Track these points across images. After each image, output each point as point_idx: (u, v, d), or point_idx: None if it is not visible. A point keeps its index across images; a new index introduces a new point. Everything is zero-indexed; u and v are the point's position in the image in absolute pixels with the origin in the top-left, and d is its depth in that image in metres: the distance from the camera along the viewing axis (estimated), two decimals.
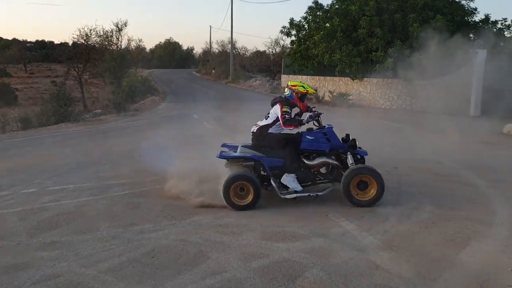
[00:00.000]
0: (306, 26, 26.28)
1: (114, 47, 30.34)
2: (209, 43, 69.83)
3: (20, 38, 73.74)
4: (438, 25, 18.38)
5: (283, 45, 46.88)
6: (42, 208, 6.57)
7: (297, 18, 28.36)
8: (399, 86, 21.27)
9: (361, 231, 5.40)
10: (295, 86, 6.72)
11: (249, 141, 6.73)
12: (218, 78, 49.08)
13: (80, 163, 9.94)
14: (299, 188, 6.41)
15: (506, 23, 20.67)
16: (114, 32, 30.08)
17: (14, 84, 37.59)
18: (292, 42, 28.00)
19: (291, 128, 6.49)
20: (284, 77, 33.86)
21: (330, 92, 24.31)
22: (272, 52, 50.31)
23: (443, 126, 13.51)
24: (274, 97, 6.99)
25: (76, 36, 28.74)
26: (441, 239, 5.17)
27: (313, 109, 6.79)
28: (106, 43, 29.87)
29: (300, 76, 28.47)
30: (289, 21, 26.92)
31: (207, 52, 68.27)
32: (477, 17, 22.31)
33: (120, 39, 30.80)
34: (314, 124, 6.74)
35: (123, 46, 32.08)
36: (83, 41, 28.63)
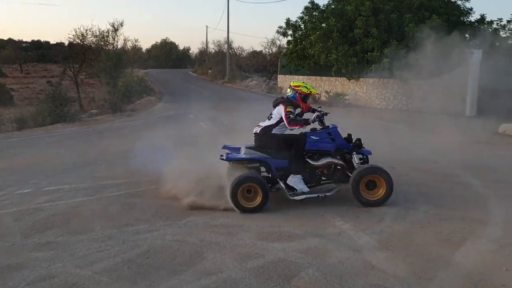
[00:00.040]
0: (302, 26, 26.29)
1: (110, 47, 30.17)
2: (205, 43, 70.03)
3: (16, 38, 73.59)
4: (434, 25, 18.42)
5: (279, 45, 46.98)
6: (37, 208, 6.55)
7: (293, 18, 28.49)
8: (395, 86, 21.31)
9: (357, 231, 5.40)
10: (298, 86, 6.67)
11: (247, 142, 6.71)
12: (215, 78, 49.07)
13: (76, 163, 9.91)
14: (306, 189, 6.35)
15: (502, 23, 20.75)
16: (110, 32, 29.89)
17: (10, 84, 37.40)
18: (288, 42, 28.01)
19: (296, 128, 6.46)
20: (280, 77, 33.87)
21: (327, 92, 24.35)
22: (268, 52, 50.35)
23: (439, 126, 13.56)
24: (276, 98, 6.95)
25: (72, 36, 28.65)
26: (437, 239, 5.18)
27: (319, 109, 6.77)
28: (102, 43, 29.72)
29: (296, 76, 28.46)
30: (285, 21, 26.93)
31: (203, 52, 68.25)
32: (473, 17, 22.42)
33: (116, 39, 30.62)
34: (318, 123, 6.70)
35: (119, 46, 31.92)
36: (79, 41, 28.53)
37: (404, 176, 8.05)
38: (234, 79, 43.75)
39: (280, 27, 27.34)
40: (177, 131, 13.60)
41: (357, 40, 21.43)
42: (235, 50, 55.99)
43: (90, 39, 28.97)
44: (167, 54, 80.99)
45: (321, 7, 24.98)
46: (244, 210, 6.09)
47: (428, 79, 17.96)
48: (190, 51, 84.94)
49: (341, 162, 6.55)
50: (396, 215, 5.96)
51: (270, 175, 6.47)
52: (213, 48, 61.67)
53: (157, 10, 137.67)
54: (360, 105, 22.57)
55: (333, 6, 23.50)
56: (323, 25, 23.30)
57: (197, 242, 5.10)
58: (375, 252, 4.80)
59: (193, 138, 11.07)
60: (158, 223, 5.80)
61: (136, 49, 57.61)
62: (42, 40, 71.73)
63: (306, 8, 25.62)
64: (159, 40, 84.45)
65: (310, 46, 23.68)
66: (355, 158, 6.56)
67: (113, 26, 30.15)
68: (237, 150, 6.55)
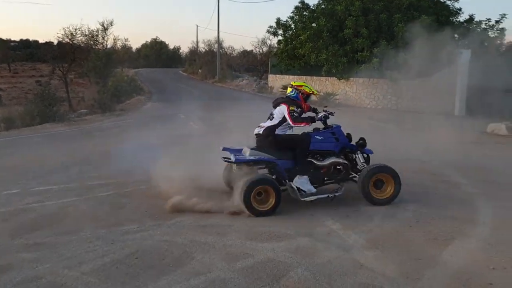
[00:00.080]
0: (292, 26, 26.35)
1: (100, 46, 30.00)
2: (195, 43, 69.67)
3: (4, 37, 72.67)
4: (423, 25, 18.53)
5: (270, 45, 46.92)
6: (25, 209, 6.49)
7: (283, 18, 28.45)
8: (385, 86, 21.43)
9: (346, 230, 5.42)
10: (300, 86, 6.63)
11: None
12: (205, 77, 48.96)
13: (64, 163, 9.84)
14: (313, 189, 6.25)
15: (490, 23, 20.93)
16: (99, 32, 29.72)
17: None
18: (279, 41, 28.06)
19: (301, 126, 6.41)
20: (271, 77, 33.89)
21: (317, 91, 24.38)
22: (259, 51, 50.30)
23: (428, 126, 13.64)
24: (276, 98, 6.91)
25: (61, 36, 28.45)
26: (425, 238, 5.21)
27: (325, 109, 6.78)
28: (92, 42, 29.53)
29: (287, 76, 28.54)
30: (275, 20, 26.98)
31: (193, 52, 68.05)
32: (462, 17, 22.61)
33: (106, 38, 30.42)
34: (321, 123, 6.69)
35: (109, 46, 31.72)
36: (69, 41, 28.33)
37: None
38: (224, 78, 43.70)
39: (271, 26, 27.43)
40: (167, 131, 13.55)
41: (347, 40, 21.51)
42: (226, 50, 55.94)
43: (79, 38, 28.81)
44: (157, 54, 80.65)
45: (311, 7, 25.06)
46: (257, 214, 5.89)
47: (417, 79, 18.06)
48: (181, 51, 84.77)
49: (345, 162, 6.56)
50: (385, 214, 5.99)
51: (274, 177, 6.34)
52: (204, 48, 61.67)
53: (147, 9, 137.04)
54: (350, 104, 22.64)
55: (323, 6, 23.59)
56: (313, 25, 23.39)
57: (186, 242, 5.09)
58: (364, 251, 4.82)
59: (183, 138, 11.04)
60: (147, 223, 5.77)
61: (126, 49, 57.20)
62: (30, 39, 70.76)
63: (296, 8, 25.69)
64: (149, 40, 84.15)
65: (301, 46, 23.76)
66: (360, 158, 6.58)
67: (102, 25, 29.95)
68: (239, 151, 6.40)
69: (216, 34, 47.08)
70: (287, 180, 6.24)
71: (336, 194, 6.34)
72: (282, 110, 6.41)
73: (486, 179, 8.04)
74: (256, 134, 6.54)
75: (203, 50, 60.62)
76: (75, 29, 28.33)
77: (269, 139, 6.39)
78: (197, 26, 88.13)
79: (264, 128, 6.46)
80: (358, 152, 6.63)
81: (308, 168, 6.39)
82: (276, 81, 31.73)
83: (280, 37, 27.55)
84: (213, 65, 48.64)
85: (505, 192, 7.17)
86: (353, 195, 6.54)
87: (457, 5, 22.69)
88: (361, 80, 22.50)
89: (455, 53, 18.33)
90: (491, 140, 12.55)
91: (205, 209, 6.10)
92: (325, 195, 6.27)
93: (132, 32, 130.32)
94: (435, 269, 4.38)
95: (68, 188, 7.68)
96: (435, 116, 15.36)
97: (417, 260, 4.59)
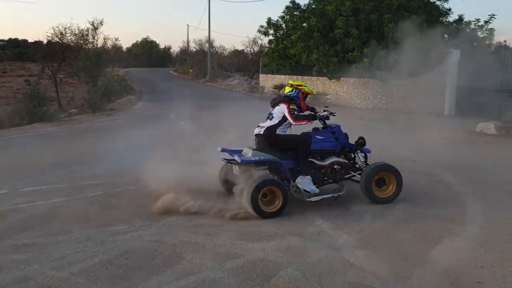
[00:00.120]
0: (283, 25, 26.33)
1: (90, 46, 29.81)
2: (186, 42, 69.46)
3: None
4: (413, 26, 18.64)
5: (261, 44, 46.85)
6: (14, 209, 6.44)
7: (274, 18, 28.45)
8: (375, 86, 21.53)
9: (336, 230, 5.43)
10: (300, 85, 6.59)
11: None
12: (196, 77, 48.80)
13: (54, 163, 9.76)
14: (316, 190, 6.21)
15: (479, 23, 21.07)
16: (89, 31, 29.52)
17: None
18: (270, 41, 28.03)
19: (303, 123, 6.35)
20: (262, 77, 33.88)
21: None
22: (250, 51, 50.23)
23: (418, 126, 13.71)
24: (274, 97, 6.86)
25: (50, 35, 28.21)
26: (414, 236, 5.25)
27: (326, 108, 6.78)
28: (82, 42, 29.34)
29: (278, 76, 28.56)
30: (266, 20, 26.94)
31: (184, 51, 67.85)
32: (451, 18, 22.75)
33: (96, 37, 30.24)
34: (320, 122, 6.67)
35: (99, 45, 31.54)
36: (58, 40, 28.12)
37: None
38: (215, 78, 43.60)
39: (262, 26, 27.36)
40: (158, 130, 13.53)
41: (338, 40, 21.56)
42: (217, 49, 55.78)
43: (69, 37, 28.59)
44: (148, 53, 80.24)
45: (302, 7, 25.06)
46: (265, 216, 5.79)
47: (407, 79, 18.16)
48: (171, 50, 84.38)
49: (346, 161, 6.58)
50: (375, 214, 6.02)
51: (276, 177, 6.22)
52: (195, 47, 61.40)
53: (138, 8, 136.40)
54: (341, 104, 22.70)
55: (314, 6, 23.61)
56: (304, 24, 23.40)
57: (176, 242, 5.07)
58: (354, 250, 4.84)
59: (174, 138, 11.03)
60: (137, 224, 5.75)
61: (116, 48, 56.98)
62: (19, 38, 70.22)
63: (287, 7, 25.68)
64: (139, 39, 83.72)
65: (292, 46, 23.77)
66: (360, 157, 6.60)
67: (92, 24, 29.77)
68: (239, 152, 6.28)
69: (207, 34, 46.84)
70: (291, 181, 6.20)
71: (340, 193, 6.33)
72: (281, 109, 6.33)
73: (475, 178, 8.10)
74: (256, 135, 6.44)
75: (194, 50, 60.47)
76: (65, 28, 28.14)
77: (271, 140, 6.32)
78: (188, 25, 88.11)
79: (265, 128, 6.37)
80: (358, 151, 6.65)
81: (309, 168, 6.35)
82: (267, 80, 31.74)
83: (271, 37, 27.53)
84: (204, 65, 48.50)
85: (493, 192, 7.24)
86: (343, 195, 6.54)
87: (446, 5, 22.87)
88: (351, 80, 22.58)
89: (445, 53, 18.46)
90: (480, 140, 12.65)
91: (194, 210, 6.04)
92: (330, 195, 6.26)
93: (122, 32, 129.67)
94: (424, 268, 4.41)
95: (58, 188, 7.63)
96: (425, 115, 15.46)
97: (406, 259, 4.62)
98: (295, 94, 6.53)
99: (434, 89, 18.27)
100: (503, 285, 4.08)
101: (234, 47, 60.48)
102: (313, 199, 6.14)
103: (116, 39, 63.13)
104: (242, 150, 6.33)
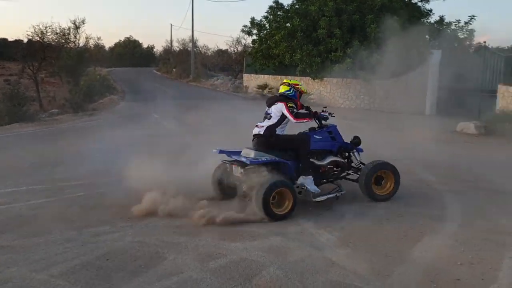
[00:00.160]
0: (267, 25, 26.33)
1: (72, 45, 29.43)
2: (170, 42, 69.04)
3: None
4: (395, 26, 18.81)
5: (244, 44, 46.79)
6: None
7: (258, 17, 28.44)
8: (358, 86, 21.69)
9: (318, 229, 5.46)
10: (297, 85, 6.52)
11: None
12: (179, 77, 48.52)
13: (34, 164, 9.63)
14: (318, 190, 6.18)
15: (460, 24, 21.34)
16: (71, 30, 29.15)
17: None
18: (253, 41, 28.02)
19: (304, 121, 6.32)
20: (246, 76, 33.85)
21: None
22: (234, 51, 50.14)
23: (400, 125, 13.88)
24: (270, 97, 6.80)
25: (31, 34, 27.78)
26: (395, 235, 5.31)
27: (324, 109, 6.83)
28: (63, 41, 28.95)
29: (262, 76, 28.57)
30: (250, 20, 26.91)
31: (167, 51, 67.41)
32: (432, 19, 23.00)
33: (77, 37, 29.86)
34: (316, 122, 6.68)
35: (81, 44, 31.15)
36: (39, 39, 27.71)
37: None
38: (199, 78, 43.43)
39: (245, 26, 27.31)
40: (140, 130, 13.42)
41: (321, 40, 21.65)
42: (200, 49, 55.51)
43: (50, 36, 28.16)
44: (131, 53, 79.57)
45: (285, 7, 25.10)
46: (275, 218, 5.67)
47: (389, 79, 18.34)
48: (154, 50, 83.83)
49: (343, 160, 6.63)
50: (356, 212, 6.07)
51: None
52: (178, 47, 61.09)
53: (120, 8, 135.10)
54: (324, 104, 22.42)
55: (297, 6, 23.67)
56: (288, 24, 23.45)
57: (158, 243, 5.04)
58: (336, 249, 4.87)
59: (156, 138, 10.96)
60: (118, 225, 5.69)
61: (99, 47, 56.37)
62: None
63: (270, 7, 25.68)
64: (122, 38, 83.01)
65: (275, 46, 23.79)
66: (356, 156, 6.64)
67: (74, 23, 29.41)
68: (237, 153, 6.19)
69: (190, 33, 46.70)
70: (296, 181, 6.16)
71: (342, 193, 6.38)
72: (279, 108, 6.21)
73: (455, 177, 8.22)
74: (255, 135, 6.34)
75: (177, 49, 60.16)
76: (46, 27, 27.73)
77: (271, 140, 6.23)
78: (171, 25, 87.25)
79: (264, 128, 6.25)
80: (354, 150, 6.69)
81: (309, 168, 6.32)
82: (251, 80, 31.73)
83: (254, 37, 27.51)
84: (187, 64, 48.26)
85: (473, 190, 7.35)
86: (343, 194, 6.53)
87: (428, 6, 23.11)
88: (334, 80, 22.70)
89: (426, 53, 18.68)
90: (460, 139, 12.83)
91: (175, 213, 5.93)
92: (333, 194, 6.28)
93: (105, 31, 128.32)
94: (405, 266, 4.46)
95: (38, 189, 7.52)
96: (407, 115, 15.64)
97: (387, 257, 4.67)
98: (293, 93, 6.43)
99: (416, 89, 18.50)
100: (482, 282, 4.15)
101: (217, 47, 60.09)
102: (319, 199, 6.14)
103: (99, 38, 62.65)
104: (241, 151, 6.23)
